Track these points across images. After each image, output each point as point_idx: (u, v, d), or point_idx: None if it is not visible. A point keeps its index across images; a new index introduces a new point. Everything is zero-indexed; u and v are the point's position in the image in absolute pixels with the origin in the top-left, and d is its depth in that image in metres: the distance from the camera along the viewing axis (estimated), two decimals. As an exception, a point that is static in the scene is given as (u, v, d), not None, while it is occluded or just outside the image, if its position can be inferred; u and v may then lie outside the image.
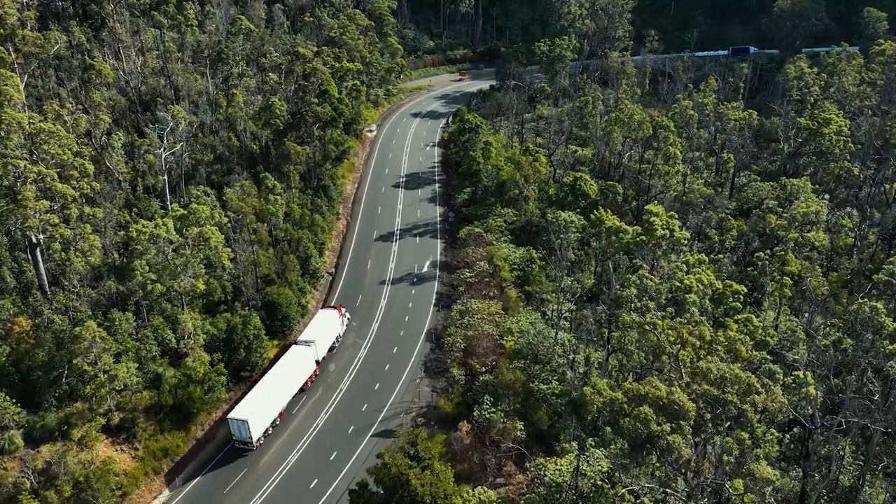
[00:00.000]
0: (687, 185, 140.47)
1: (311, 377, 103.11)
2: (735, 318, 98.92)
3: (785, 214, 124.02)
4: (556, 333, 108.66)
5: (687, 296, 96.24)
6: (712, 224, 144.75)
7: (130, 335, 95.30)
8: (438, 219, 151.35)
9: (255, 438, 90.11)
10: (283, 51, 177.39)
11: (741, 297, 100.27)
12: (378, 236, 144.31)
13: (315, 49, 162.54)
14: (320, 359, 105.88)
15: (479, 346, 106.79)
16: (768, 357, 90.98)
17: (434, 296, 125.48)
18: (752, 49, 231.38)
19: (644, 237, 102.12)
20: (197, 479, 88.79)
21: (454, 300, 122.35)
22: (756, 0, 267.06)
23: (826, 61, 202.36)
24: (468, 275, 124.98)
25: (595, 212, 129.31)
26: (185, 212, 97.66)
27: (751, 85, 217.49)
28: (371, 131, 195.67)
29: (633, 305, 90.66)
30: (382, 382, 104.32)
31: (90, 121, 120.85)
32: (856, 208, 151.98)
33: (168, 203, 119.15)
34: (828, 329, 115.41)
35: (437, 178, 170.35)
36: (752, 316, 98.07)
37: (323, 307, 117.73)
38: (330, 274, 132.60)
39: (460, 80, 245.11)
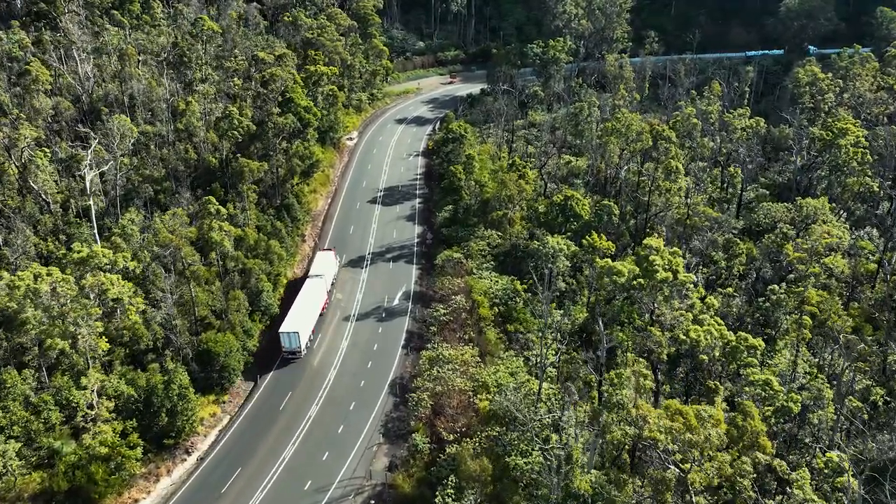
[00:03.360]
0: (691, 207, 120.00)
1: (325, 305, 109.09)
2: (752, 376, 79.45)
3: (804, 245, 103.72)
4: (541, 387, 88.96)
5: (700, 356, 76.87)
6: (718, 246, 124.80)
7: (26, 398, 76.07)
8: (416, 240, 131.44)
9: (302, 346, 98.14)
10: (251, 54, 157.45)
11: (757, 351, 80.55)
12: (347, 261, 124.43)
13: (278, 53, 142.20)
14: (329, 288, 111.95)
15: (448, 405, 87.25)
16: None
17: (403, 335, 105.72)
18: (812, 48, 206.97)
19: (643, 280, 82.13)
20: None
21: (426, 341, 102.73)
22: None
23: (838, 64, 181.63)
24: (442, 312, 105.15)
25: (587, 237, 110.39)
26: (87, 253, 77.56)
27: (755, 89, 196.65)
28: (351, 139, 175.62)
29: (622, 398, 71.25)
30: (332, 450, 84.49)
31: (7, 134, 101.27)
32: (875, 227, 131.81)
33: (96, 232, 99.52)
34: (853, 374, 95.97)
35: (418, 191, 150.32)
36: (773, 377, 78.46)
37: (318, 250, 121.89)
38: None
39: (451, 82, 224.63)
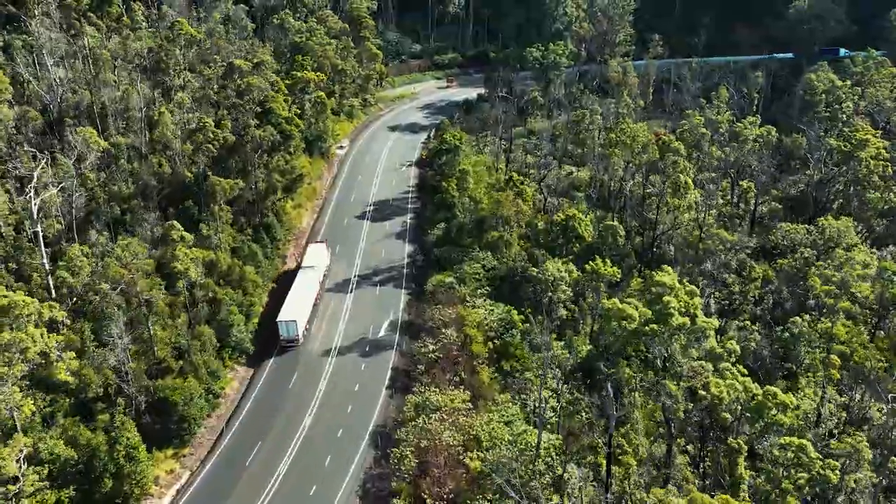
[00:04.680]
0: (704, 230, 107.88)
1: (317, 297, 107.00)
2: (780, 437, 67.63)
3: (833, 277, 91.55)
4: (539, 438, 77.31)
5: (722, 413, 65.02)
6: (731, 266, 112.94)
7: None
8: (406, 260, 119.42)
9: (300, 334, 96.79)
10: (237, 58, 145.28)
11: (788, 408, 68.72)
12: (331, 285, 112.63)
13: (256, 60, 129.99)
14: (321, 279, 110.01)
15: (436, 463, 75.43)
16: None
17: (388, 372, 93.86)
18: (843, 51, 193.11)
19: (656, 325, 70.17)
20: None
21: (413, 379, 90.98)
22: (766, 1, 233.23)
23: (852, 69, 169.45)
24: (431, 348, 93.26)
25: (591, 262, 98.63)
26: (8, 301, 65.47)
27: (763, 93, 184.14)
28: (342, 148, 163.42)
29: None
30: (303, 517, 73.05)
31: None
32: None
33: (46, 261, 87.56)
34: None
35: (410, 205, 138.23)
36: (807, 442, 66.55)
37: (310, 243, 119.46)
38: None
39: (448, 87, 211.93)
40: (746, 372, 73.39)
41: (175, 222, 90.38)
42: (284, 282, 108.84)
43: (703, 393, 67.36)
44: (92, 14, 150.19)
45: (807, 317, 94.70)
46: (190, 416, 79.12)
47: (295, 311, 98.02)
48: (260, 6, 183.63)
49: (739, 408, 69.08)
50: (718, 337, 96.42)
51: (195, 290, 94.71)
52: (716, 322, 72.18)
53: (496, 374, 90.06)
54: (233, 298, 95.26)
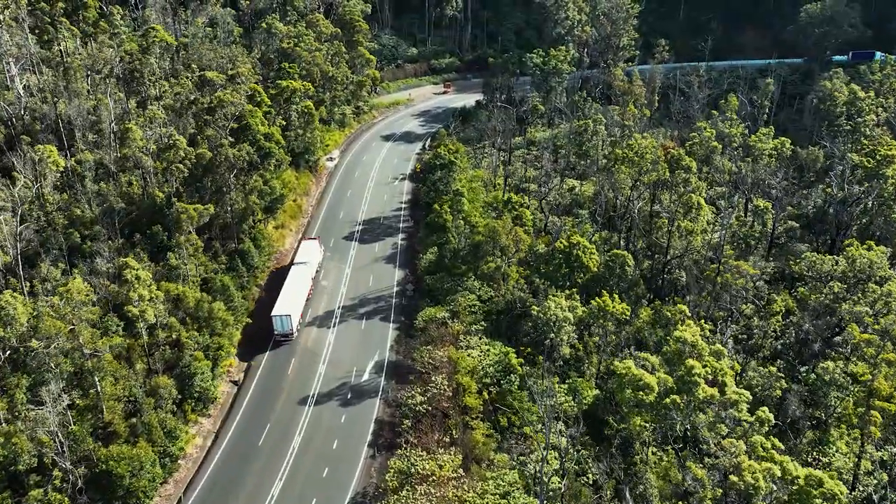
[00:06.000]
0: (722, 261, 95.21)
1: (310, 291, 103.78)
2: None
3: (874, 325, 79.07)
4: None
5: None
6: (748, 295, 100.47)
7: None
8: (395, 289, 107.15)
9: (294, 328, 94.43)
10: (217, 67, 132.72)
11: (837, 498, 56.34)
12: (312, 319, 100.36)
13: (231, 72, 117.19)
14: (314, 275, 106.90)
15: (420, 548, 63.43)
16: None
17: (371, 426, 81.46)
18: (879, 53, 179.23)
19: (678, 397, 57.79)
20: None
21: (399, 435, 78.78)
22: (774, 3, 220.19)
23: (868, 77, 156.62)
24: (419, 399, 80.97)
25: (597, 298, 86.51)
26: None
27: (774, 102, 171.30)
28: (332, 159, 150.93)
29: None
30: None
31: None
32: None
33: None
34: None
35: (402, 224, 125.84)
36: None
37: (303, 239, 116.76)
38: (235, 383, 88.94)
39: (444, 92, 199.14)
40: (782, 446, 61.05)
41: (130, 260, 78.21)
42: (278, 278, 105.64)
43: (735, 479, 55.11)
44: (65, 20, 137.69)
45: (840, 363, 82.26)
46: (138, 490, 66.82)
47: (289, 306, 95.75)
48: (248, 9, 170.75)
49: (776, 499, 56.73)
50: (738, 376, 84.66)
51: (157, 331, 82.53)
52: (748, 394, 59.45)
53: (492, 431, 77.76)
54: (198, 342, 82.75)
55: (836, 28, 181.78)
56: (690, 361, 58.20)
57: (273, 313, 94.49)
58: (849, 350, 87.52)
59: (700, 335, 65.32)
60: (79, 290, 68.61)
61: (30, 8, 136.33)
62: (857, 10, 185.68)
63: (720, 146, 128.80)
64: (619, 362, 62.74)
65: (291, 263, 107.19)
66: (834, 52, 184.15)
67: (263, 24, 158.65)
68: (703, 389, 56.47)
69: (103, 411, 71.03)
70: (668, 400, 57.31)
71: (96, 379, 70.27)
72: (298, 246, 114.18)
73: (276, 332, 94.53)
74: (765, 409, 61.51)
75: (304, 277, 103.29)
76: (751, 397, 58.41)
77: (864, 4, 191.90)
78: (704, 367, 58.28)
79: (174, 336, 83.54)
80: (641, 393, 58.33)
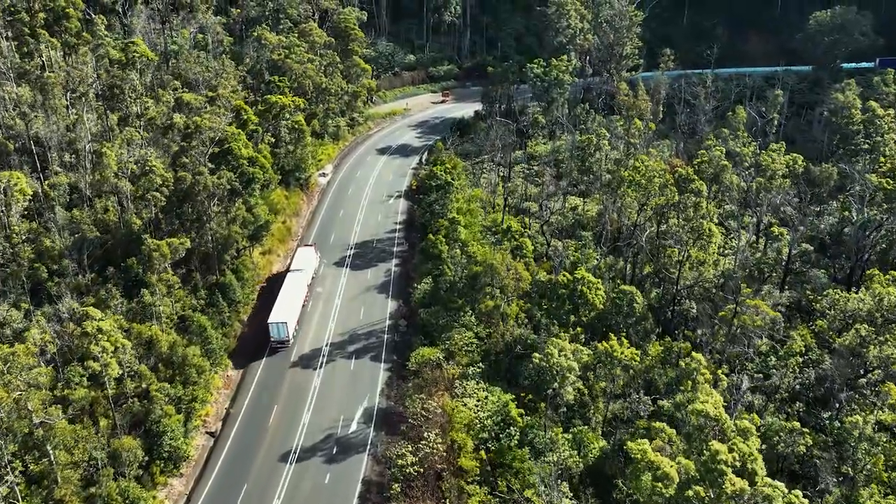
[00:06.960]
0: (739, 309, 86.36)
1: (306, 298, 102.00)
2: None
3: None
4: None
5: None
6: (763, 333, 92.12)
7: None
8: (387, 322, 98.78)
9: (290, 335, 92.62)
10: (203, 81, 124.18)
11: None
12: (297, 358, 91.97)
13: (211, 94, 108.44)
14: (310, 281, 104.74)
15: None
16: None
17: (358, 487, 73.08)
18: None
19: (701, 489, 49.39)
20: None
21: (388, 500, 70.52)
22: (780, 9, 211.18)
23: (882, 88, 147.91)
24: (411, 460, 72.60)
25: (603, 342, 78.34)
26: None
27: (783, 114, 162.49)
28: (324, 175, 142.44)
29: None
30: None
31: None
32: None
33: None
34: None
35: (396, 248, 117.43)
36: None
37: (300, 245, 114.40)
38: (211, 435, 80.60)
39: (443, 101, 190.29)
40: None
41: (91, 309, 69.63)
42: (274, 284, 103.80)
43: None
44: (44, 32, 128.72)
45: (870, 416, 73.95)
46: (92, 577, 58.67)
47: (285, 313, 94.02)
48: (239, 18, 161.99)
49: None
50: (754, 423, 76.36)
51: (125, 381, 74.22)
52: (783, 487, 50.96)
53: (489, 498, 69.46)
54: (169, 394, 74.35)
55: (847, 36, 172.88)
56: (715, 446, 49.80)
57: (269, 320, 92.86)
58: (875, 396, 79.67)
59: (723, 404, 57.00)
60: (27, 351, 60.07)
61: (9, 19, 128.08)
62: (869, 17, 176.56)
63: (730, 164, 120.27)
64: (632, 443, 54.28)
65: (287, 270, 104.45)
66: (847, 59, 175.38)
67: (253, 34, 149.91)
68: (731, 481, 48.15)
69: (58, 481, 62.65)
70: (690, 493, 48.96)
71: (49, 447, 61.87)
72: (295, 252, 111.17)
73: (272, 339, 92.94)
74: (798, 493, 52.95)
75: (300, 284, 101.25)
76: (785, 490, 49.90)
77: (874, 12, 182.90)
78: (730, 450, 49.89)
79: (144, 385, 75.25)
80: (660, 485, 49.99)
